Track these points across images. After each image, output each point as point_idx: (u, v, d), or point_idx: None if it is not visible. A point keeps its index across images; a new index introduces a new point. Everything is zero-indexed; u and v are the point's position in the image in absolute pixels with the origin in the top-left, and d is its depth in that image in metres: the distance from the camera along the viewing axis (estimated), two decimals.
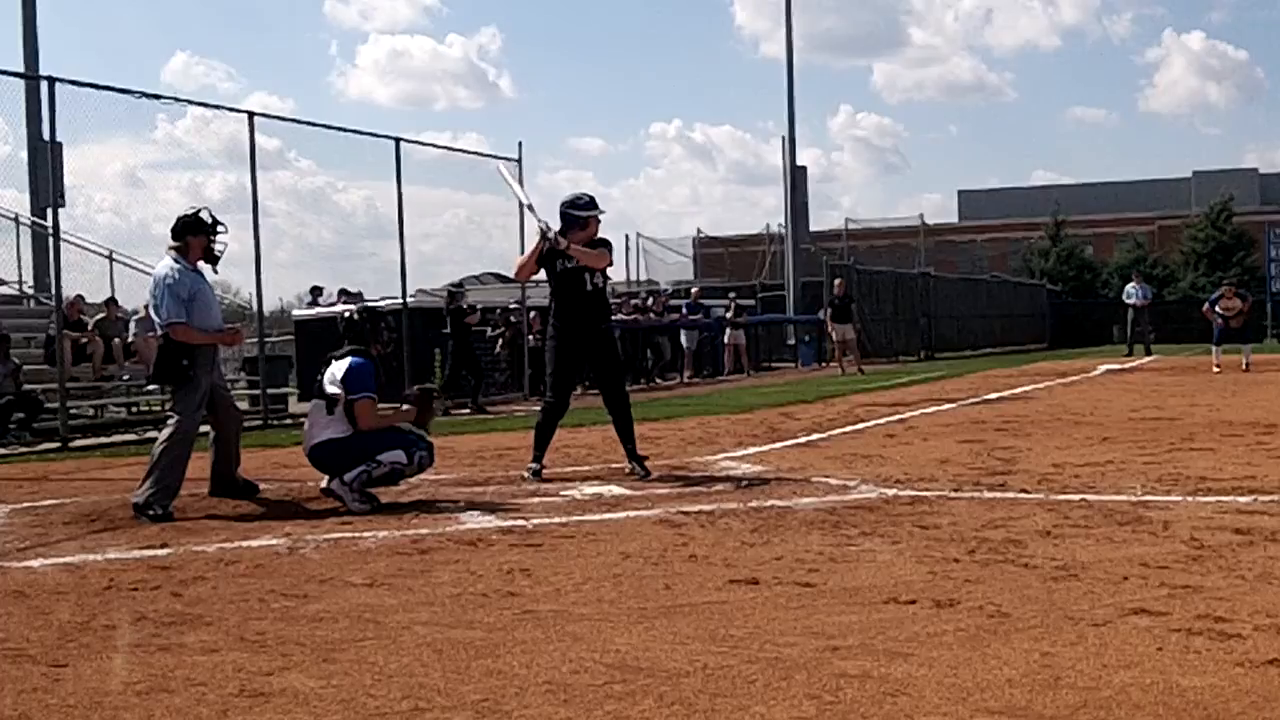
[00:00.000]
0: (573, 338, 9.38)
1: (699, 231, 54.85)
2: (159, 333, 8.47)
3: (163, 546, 6.75)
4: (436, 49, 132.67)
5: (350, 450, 7.97)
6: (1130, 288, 32.26)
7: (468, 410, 18.06)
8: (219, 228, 8.55)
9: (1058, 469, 9.04)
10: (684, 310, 28.22)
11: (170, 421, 8.33)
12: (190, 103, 17.09)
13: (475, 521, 7.35)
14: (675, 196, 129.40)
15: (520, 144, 20.98)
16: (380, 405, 8.23)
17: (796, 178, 35.96)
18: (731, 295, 30.76)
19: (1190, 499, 7.50)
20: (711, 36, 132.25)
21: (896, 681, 3.90)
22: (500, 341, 22.04)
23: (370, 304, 8.86)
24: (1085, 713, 3.57)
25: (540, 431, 9.44)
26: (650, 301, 27.90)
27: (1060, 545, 6.11)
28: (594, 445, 11.38)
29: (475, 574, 5.80)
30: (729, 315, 29.19)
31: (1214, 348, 23.18)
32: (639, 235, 43.69)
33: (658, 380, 25.62)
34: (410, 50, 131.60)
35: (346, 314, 8.59)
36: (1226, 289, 23.93)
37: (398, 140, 18.76)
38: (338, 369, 8.14)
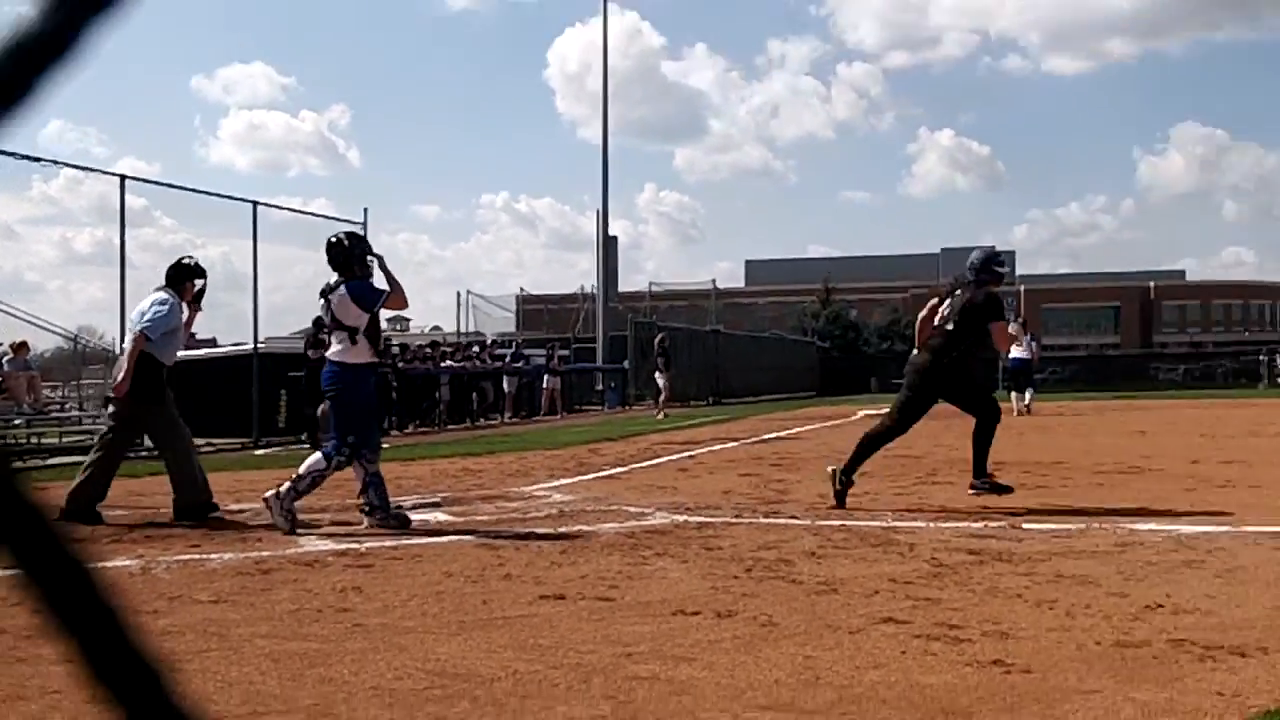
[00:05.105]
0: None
1: (522, 290, 54.73)
2: (133, 336, 8.23)
3: None
4: (290, 123, 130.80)
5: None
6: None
7: (307, 445, 17.59)
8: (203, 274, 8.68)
9: (822, 499, 9.18)
10: (506, 358, 28.05)
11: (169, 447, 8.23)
12: (69, 165, 16.36)
13: (313, 545, 7.16)
14: (502, 258, 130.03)
15: (365, 210, 20.68)
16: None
17: (608, 245, 36.23)
18: (551, 344, 30.67)
19: (932, 525, 7.72)
20: (536, 121, 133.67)
21: (681, 682, 3.93)
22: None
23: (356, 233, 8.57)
24: (840, 707, 3.65)
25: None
26: (477, 350, 27.67)
27: (823, 564, 6.23)
28: (422, 477, 11.21)
29: (311, 592, 5.65)
30: (548, 363, 29.11)
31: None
32: (469, 292, 43.22)
33: (482, 420, 25.38)
34: (267, 123, 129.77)
35: (334, 239, 8.16)
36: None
37: (255, 203, 18.32)
38: (343, 297, 7.93)
